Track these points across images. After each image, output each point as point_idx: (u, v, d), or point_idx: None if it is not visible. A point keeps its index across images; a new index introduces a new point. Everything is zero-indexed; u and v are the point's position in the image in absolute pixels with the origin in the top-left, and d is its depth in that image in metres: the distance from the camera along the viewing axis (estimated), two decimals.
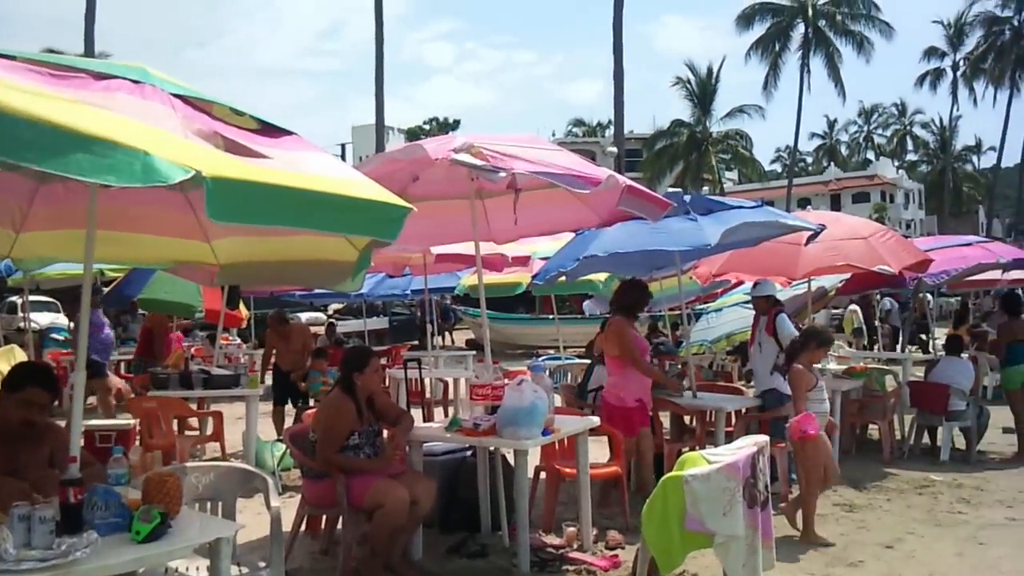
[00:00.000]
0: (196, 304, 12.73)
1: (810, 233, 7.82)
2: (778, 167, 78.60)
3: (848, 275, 10.76)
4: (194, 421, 10.23)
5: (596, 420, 6.32)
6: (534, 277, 9.09)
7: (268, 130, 3.48)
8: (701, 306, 15.21)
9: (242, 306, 15.82)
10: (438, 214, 6.44)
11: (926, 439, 10.09)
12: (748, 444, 4.96)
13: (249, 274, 5.30)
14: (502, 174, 4.88)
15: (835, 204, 64.45)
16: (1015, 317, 10.16)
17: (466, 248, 8.24)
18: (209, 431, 9.42)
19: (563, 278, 8.33)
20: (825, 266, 8.71)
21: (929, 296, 16.52)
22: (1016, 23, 51.69)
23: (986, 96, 53.95)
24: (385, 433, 5.57)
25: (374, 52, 33.26)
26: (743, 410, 8.45)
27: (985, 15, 53.07)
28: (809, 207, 51.17)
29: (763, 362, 8.04)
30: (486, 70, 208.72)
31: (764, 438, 5.10)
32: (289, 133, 3.58)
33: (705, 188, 50.22)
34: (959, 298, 28.68)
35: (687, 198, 7.79)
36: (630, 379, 7.01)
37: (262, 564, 4.32)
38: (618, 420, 6.88)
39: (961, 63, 55.63)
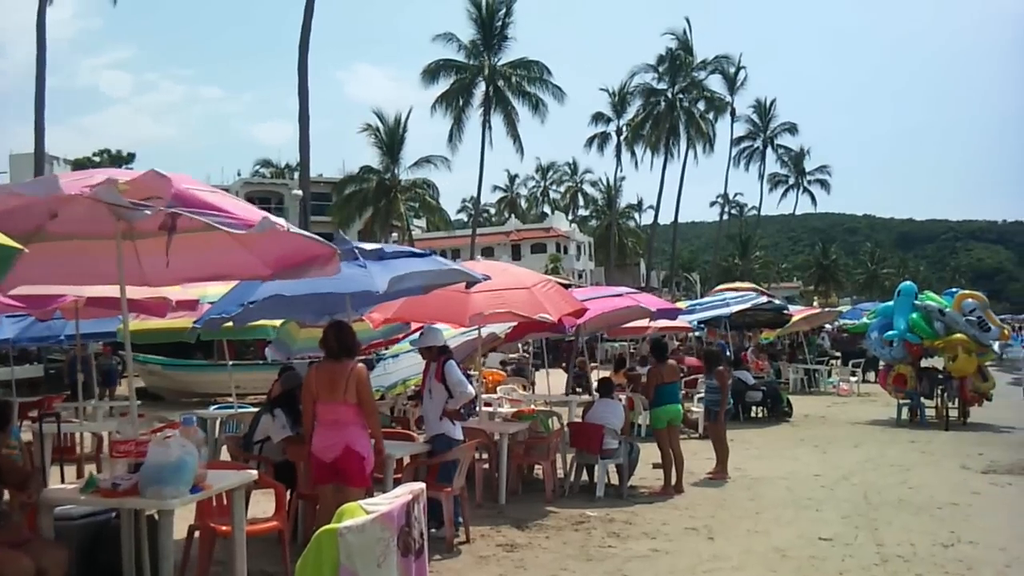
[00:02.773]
0: None
1: (475, 281, 8.10)
2: (464, 217, 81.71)
3: (516, 322, 11.27)
4: None
5: (254, 473, 6.03)
6: (196, 322, 8.62)
7: None
8: (382, 351, 15.28)
9: None
10: (86, 254, 5.92)
11: (585, 476, 10.74)
12: (404, 492, 4.95)
13: None
14: (147, 212, 4.55)
15: (516, 253, 67.90)
16: (662, 362, 11.12)
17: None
18: None
19: (230, 323, 7.97)
20: (491, 313, 9.05)
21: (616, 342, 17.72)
22: (670, 95, 57.92)
23: (645, 159, 59.83)
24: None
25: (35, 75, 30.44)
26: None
27: (644, 86, 59.11)
28: (481, 257, 53.45)
29: (433, 408, 8.17)
30: (168, 103, 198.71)
31: (420, 485, 5.10)
32: None
33: (394, 235, 50.94)
34: (623, 343, 31.20)
35: (361, 245, 7.77)
36: (365, 428, 6.62)
37: None
38: (355, 472, 6.40)
39: (624, 128, 61.22)
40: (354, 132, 48.97)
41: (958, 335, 17.12)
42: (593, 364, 22.19)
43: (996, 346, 18.48)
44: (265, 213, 4.96)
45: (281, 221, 5.07)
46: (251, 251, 6.03)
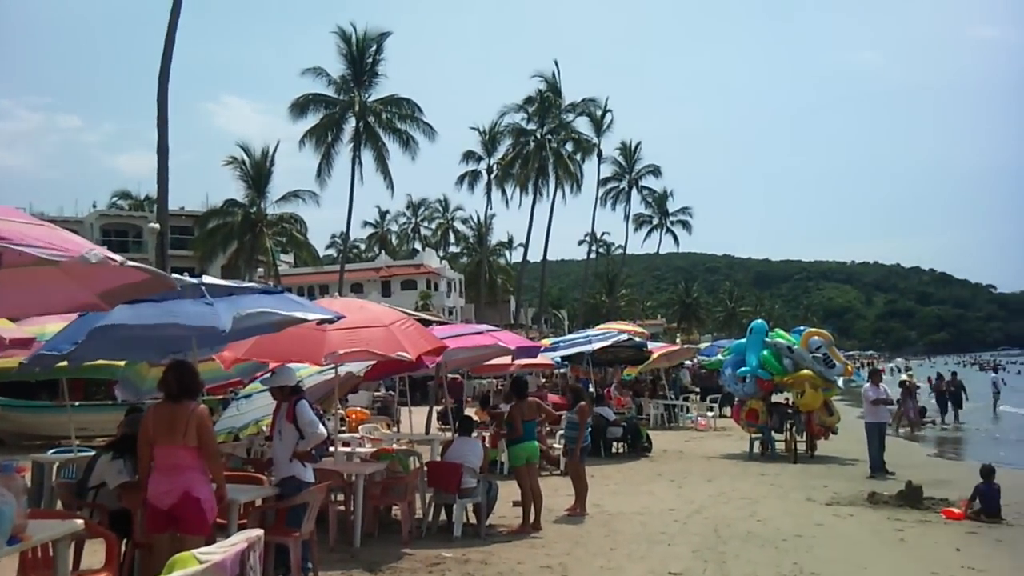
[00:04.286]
0: None
1: (328, 320, 7.96)
2: (333, 252, 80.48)
3: (374, 361, 11.12)
4: None
5: (80, 523, 5.68)
6: (24, 360, 8.09)
7: None
8: (236, 391, 14.78)
9: None
10: None
11: (443, 516, 10.63)
12: (240, 540, 4.77)
13: None
14: None
15: (386, 290, 67.41)
16: (522, 399, 11.17)
17: None
18: None
19: (64, 362, 7.55)
20: (347, 352, 8.89)
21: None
22: (539, 136, 58.95)
23: (515, 197, 60.44)
24: None
25: None
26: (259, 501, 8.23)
27: (514, 126, 59.94)
28: (351, 293, 52.80)
29: (283, 449, 7.94)
30: (22, 131, 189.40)
31: (257, 532, 4.94)
32: None
33: (260, 270, 49.70)
34: (489, 380, 31.27)
35: (210, 281, 7.52)
36: (205, 473, 6.29)
37: None
38: (193, 519, 6.09)
39: (494, 167, 61.83)
40: (220, 165, 47.39)
41: (806, 371, 17.93)
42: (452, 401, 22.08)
43: (840, 382, 19.40)
44: (90, 243, 4.73)
45: (113, 256, 4.85)
46: (81, 283, 5.73)
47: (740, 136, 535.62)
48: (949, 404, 30.35)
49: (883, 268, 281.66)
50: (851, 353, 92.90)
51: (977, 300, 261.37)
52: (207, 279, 7.63)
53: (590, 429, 17.72)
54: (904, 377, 30.19)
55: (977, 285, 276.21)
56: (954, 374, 33.77)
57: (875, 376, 17.50)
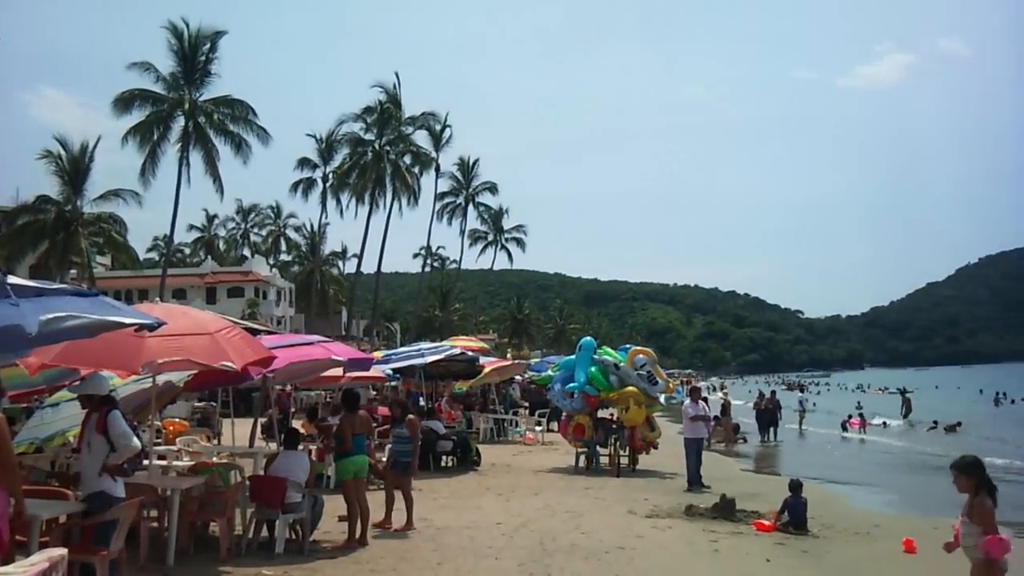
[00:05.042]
0: None
1: (148, 326, 7.52)
2: (155, 256, 76.77)
3: (195, 370, 10.63)
4: None
5: None
6: None
7: None
8: (41, 399, 13.80)
9: None
10: None
11: (266, 532, 10.27)
12: (41, 559, 4.44)
13: None
14: None
15: (211, 297, 64.96)
16: (353, 412, 10.95)
17: None
18: None
19: None
20: (167, 361, 8.45)
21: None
22: (377, 147, 58.42)
23: (350, 207, 59.52)
24: None
25: None
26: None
27: (352, 136, 59.13)
28: (173, 300, 50.62)
29: (92, 463, 7.43)
30: None
31: (60, 552, 4.61)
32: None
33: (73, 271, 46.74)
34: (318, 392, 30.62)
35: (15, 280, 6.96)
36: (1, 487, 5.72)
37: None
38: None
39: (330, 176, 60.82)
40: (34, 159, 44.15)
41: (630, 388, 18.51)
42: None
43: (662, 398, 20.14)
44: None
45: None
46: None
47: (574, 158, 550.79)
48: (767, 423, 31.79)
49: (703, 291, 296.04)
50: (672, 371, 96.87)
51: (787, 324, 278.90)
52: (12, 279, 7.07)
53: (420, 443, 17.79)
54: (720, 395, 31.70)
55: (787, 310, 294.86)
56: (773, 393, 35.71)
57: (694, 393, 18.29)
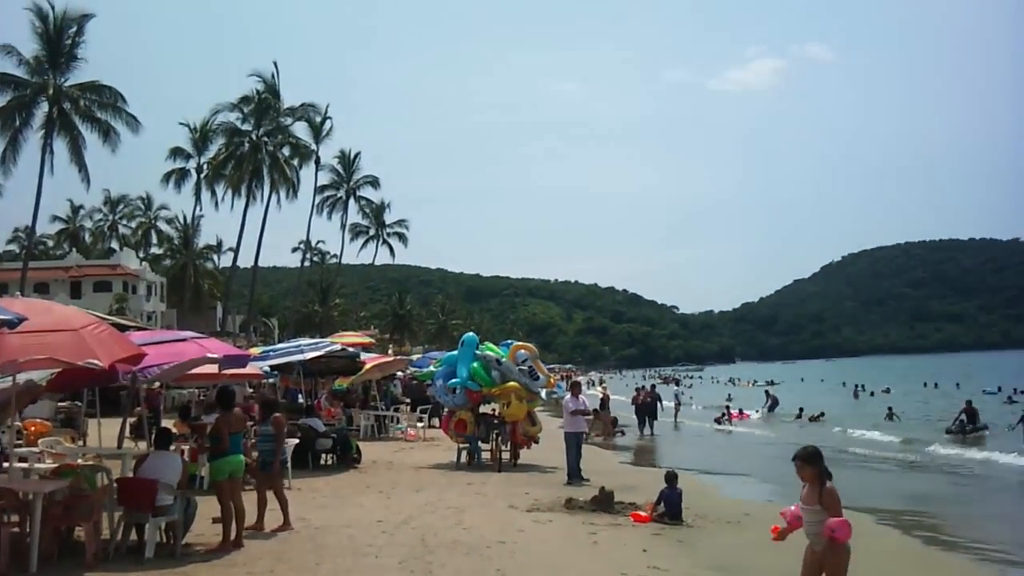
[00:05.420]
0: None
1: (8, 322, 7.13)
2: (15, 248, 72.81)
3: (59, 368, 10.14)
4: None
5: None
6: None
7: None
8: None
9: None
10: None
11: (135, 536, 9.88)
12: None
13: None
14: None
15: (76, 291, 62.10)
16: (228, 410, 10.63)
17: None
18: None
19: None
20: (28, 359, 8.03)
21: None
22: (254, 137, 56.88)
23: (226, 200, 57.76)
24: None
25: None
26: None
27: (227, 126, 57.35)
28: (35, 294, 48.18)
29: None
30: None
31: None
32: None
33: None
34: (191, 391, 29.68)
35: None
36: None
37: None
38: None
39: (204, 167, 58.91)
40: None
41: (512, 383, 18.63)
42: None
43: (543, 393, 20.37)
44: None
45: None
46: None
47: (454, 153, 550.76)
48: (646, 417, 32.42)
49: (583, 287, 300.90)
50: (552, 366, 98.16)
51: (662, 319, 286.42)
52: None
53: (298, 441, 17.46)
54: (599, 389, 32.24)
55: (663, 306, 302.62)
56: (652, 387, 36.53)
57: (574, 388, 18.55)
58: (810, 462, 6.97)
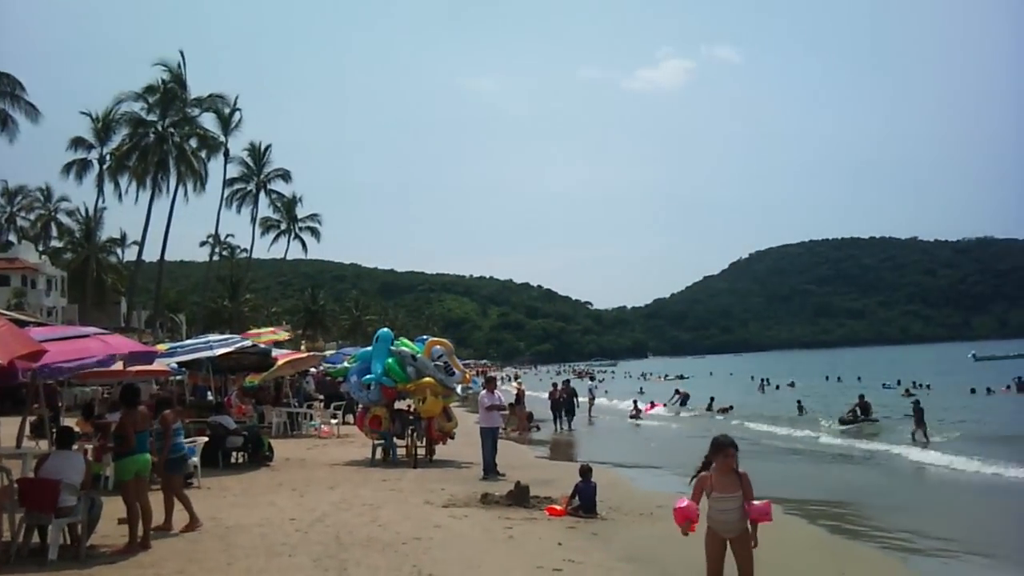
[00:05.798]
0: None
1: None
2: None
3: None
4: None
5: None
6: None
7: None
8: None
9: None
10: None
11: (37, 538, 9.53)
12: None
13: None
14: None
15: None
16: (132, 408, 10.32)
17: None
18: None
19: None
20: None
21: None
22: (160, 128, 55.19)
23: (131, 192, 55.86)
24: None
25: None
26: None
27: (131, 116, 55.39)
28: None
29: None
30: None
31: None
32: None
33: None
34: (94, 388, 28.78)
35: None
36: None
37: None
38: None
39: (107, 158, 56.88)
40: None
41: (428, 379, 18.56)
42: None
43: (459, 389, 20.35)
44: None
45: None
46: None
47: (367, 147, 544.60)
48: (563, 411, 32.61)
49: (498, 283, 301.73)
50: (468, 361, 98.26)
51: (577, 315, 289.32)
52: None
53: (208, 439, 17.09)
54: (514, 384, 32.37)
55: (577, 302, 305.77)
56: (567, 382, 36.84)
57: (490, 384, 18.60)
58: (737, 449, 7.14)
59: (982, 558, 11.26)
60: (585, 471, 13.43)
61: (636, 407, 40.74)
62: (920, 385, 52.95)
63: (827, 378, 72.44)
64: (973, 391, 46.59)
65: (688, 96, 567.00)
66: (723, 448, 7.11)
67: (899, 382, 55.56)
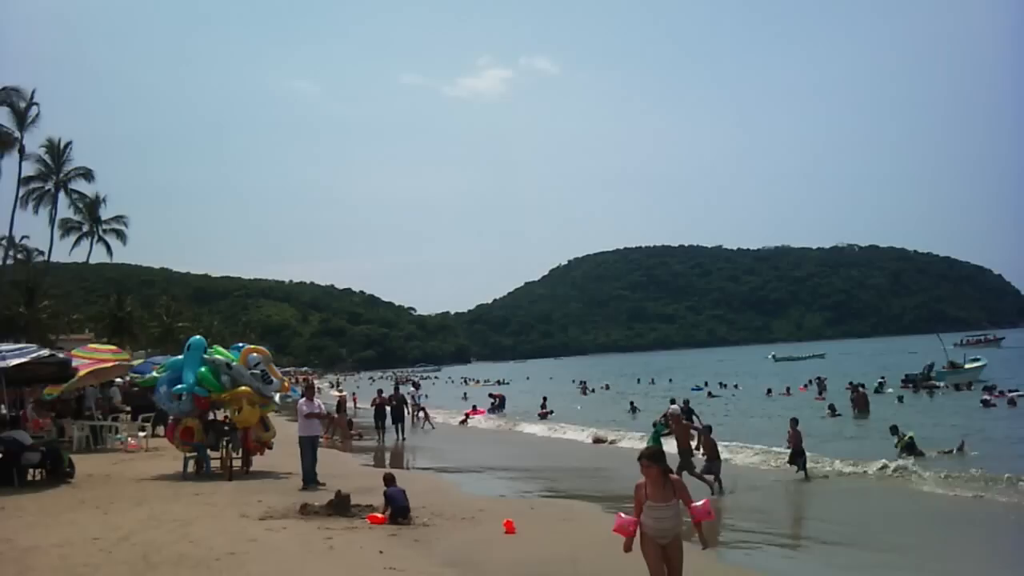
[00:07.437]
0: None
1: None
2: None
3: None
4: None
5: None
6: None
7: None
8: None
9: None
10: None
11: None
12: None
13: None
14: None
15: None
16: None
17: None
18: None
19: None
20: None
21: None
22: None
23: None
24: None
25: None
26: None
27: None
28: None
29: None
30: None
31: None
32: None
33: None
34: None
35: None
36: None
37: None
38: None
39: None
40: None
41: (244, 387, 17.99)
42: None
43: (277, 397, 19.81)
44: None
45: None
46: None
47: (177, 148, 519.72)
48: (394, 420, 32.12)
49: (319, 288, 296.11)
50: (288, 369, 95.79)
51: (400, 321, 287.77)
52: None
53: (0, 456, 15.89)
54: (336, 392, 31.79)
55: (400, 307, 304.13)
56: (396, 389, 36.47)
57: (309, 391, 18.21)
58: (656, 460, 7.34)
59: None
60: (388, 478, 13.61)
61: (466, 416, 41.34)
62: (725, 385, 56.08)
63: (638, 380, 75.43)
64: (769, 392, 49.31)
65: (507, 105, 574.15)
66: (640, 460, 7.37)
67: (706, 383, 58.54)
